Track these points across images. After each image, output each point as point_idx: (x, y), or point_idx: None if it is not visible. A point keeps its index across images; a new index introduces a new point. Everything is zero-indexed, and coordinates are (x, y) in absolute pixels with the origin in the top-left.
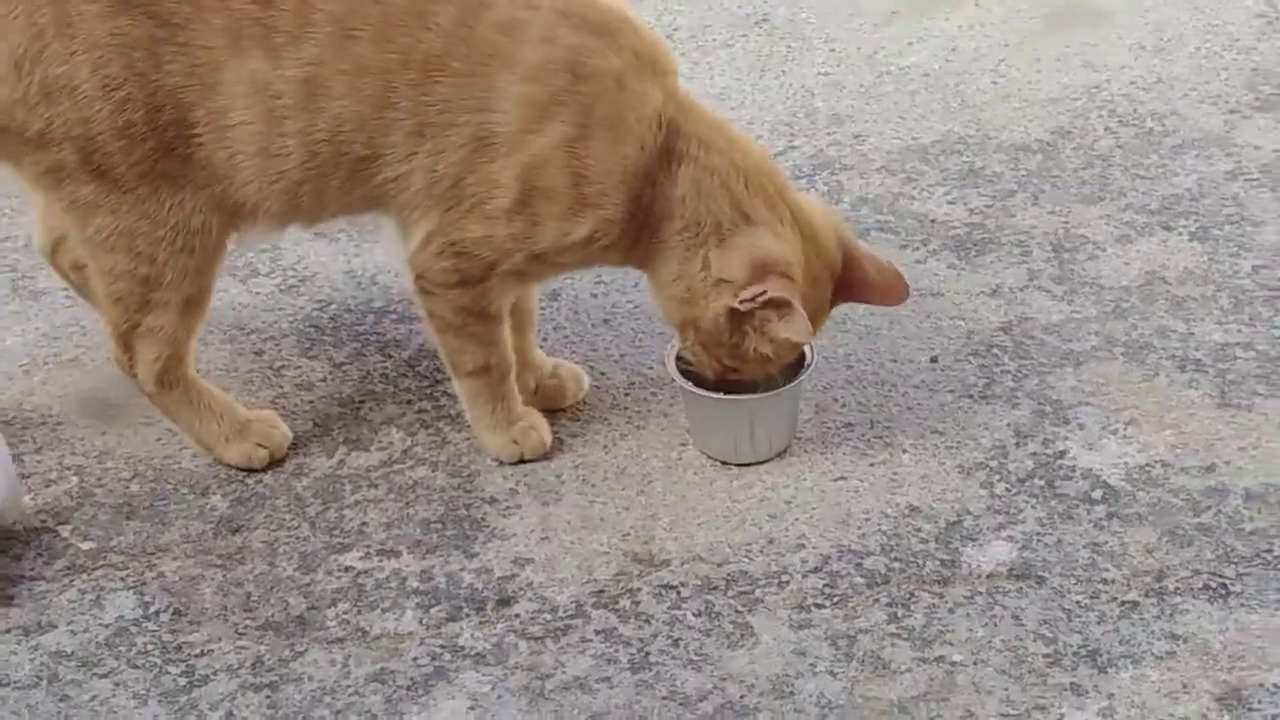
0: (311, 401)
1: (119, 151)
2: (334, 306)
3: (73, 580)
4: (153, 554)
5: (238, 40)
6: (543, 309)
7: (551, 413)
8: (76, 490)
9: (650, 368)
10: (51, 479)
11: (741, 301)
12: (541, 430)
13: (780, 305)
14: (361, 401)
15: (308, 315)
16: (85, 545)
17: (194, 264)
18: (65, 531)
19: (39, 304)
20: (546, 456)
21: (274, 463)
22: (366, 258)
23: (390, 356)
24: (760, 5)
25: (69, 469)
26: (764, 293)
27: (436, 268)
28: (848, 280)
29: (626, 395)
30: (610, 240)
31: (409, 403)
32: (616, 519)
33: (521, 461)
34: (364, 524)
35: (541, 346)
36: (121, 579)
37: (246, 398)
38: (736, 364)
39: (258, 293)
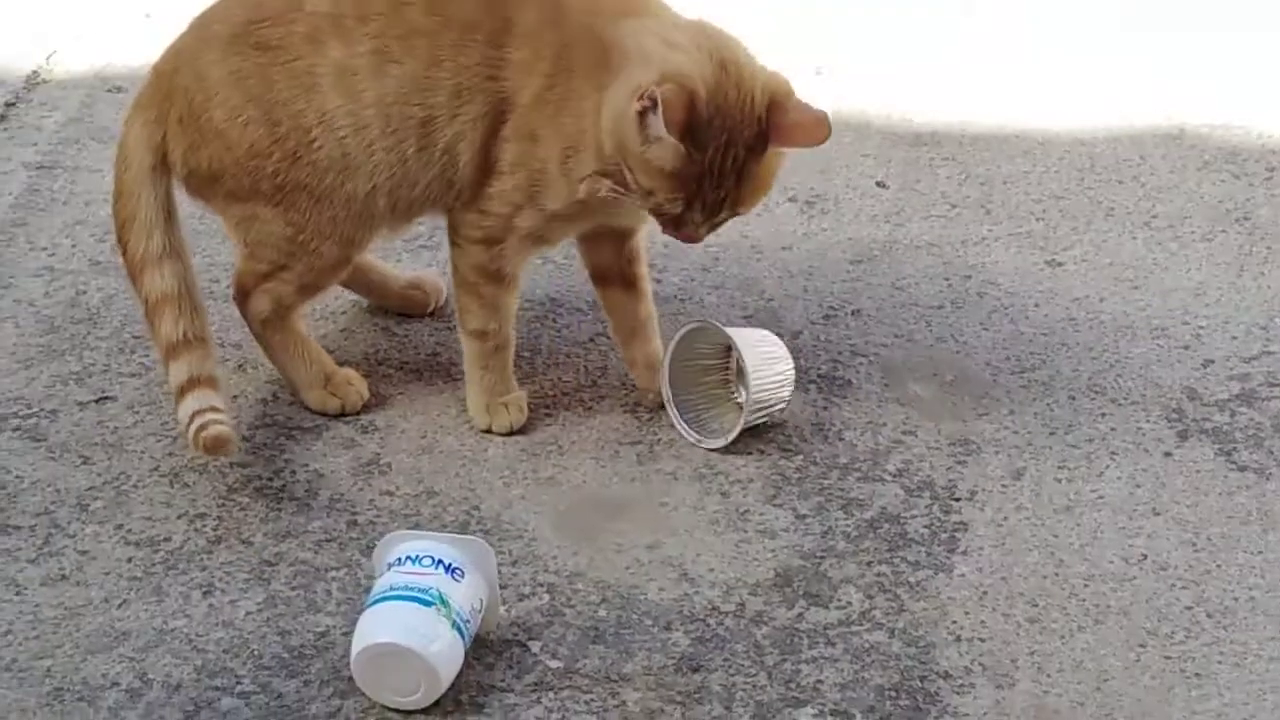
0: (774, 550)
1: (256, 170)
2: (800, 458)
3: (540, 698)
4: (616, 681)
5: (318, 39)
6: None
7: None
8: (547, 608)
9: (1110, 561)
10: (525, 593)
11: (639, 99)
12: (513, 412)
13: (662, 104)
14: (822, 557)
15: (774, 464)
16: (553, 664)
17: (345, 233)
18: (535, 647)
19: None
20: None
21: (343, 414)
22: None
23: (852, 515)
24: (1243, 202)
25: (541, 586)
26: (653, 93)
27: (466, 218)
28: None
29: (1086, 587)
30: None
31: (868, 564)
32: (1070, 713)
33: (489, 432)
34: (819, 681)
35: None
36: (586, 703)
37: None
38: (627, 183)
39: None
